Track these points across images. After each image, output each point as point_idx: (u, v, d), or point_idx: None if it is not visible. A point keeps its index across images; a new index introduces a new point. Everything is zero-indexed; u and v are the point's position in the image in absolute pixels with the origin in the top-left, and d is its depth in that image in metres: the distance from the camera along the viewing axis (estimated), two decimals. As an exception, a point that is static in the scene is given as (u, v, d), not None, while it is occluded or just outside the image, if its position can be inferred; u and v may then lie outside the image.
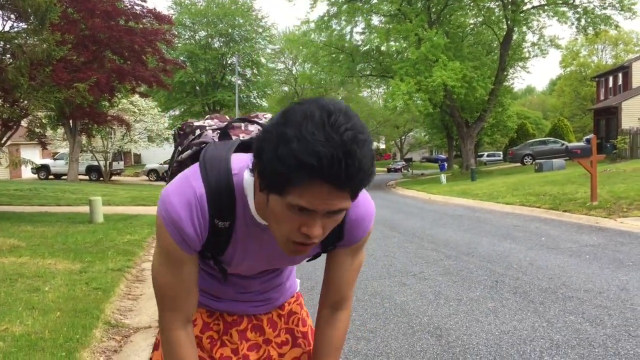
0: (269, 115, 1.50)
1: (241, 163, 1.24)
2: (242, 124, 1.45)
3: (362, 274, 6.67)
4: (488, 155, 52.77)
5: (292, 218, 1.08)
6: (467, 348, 4.01)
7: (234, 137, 1.41)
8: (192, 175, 1.22)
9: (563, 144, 32.38)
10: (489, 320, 4.63)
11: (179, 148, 1.47)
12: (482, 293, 5.54)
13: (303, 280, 6.41)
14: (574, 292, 5.37)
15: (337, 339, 1.45)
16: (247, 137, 1.41)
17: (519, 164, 32.98)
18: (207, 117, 1.53)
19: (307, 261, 1.44)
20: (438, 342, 4.17)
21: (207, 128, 1.45)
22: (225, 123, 1.46)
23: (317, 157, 0.98)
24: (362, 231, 1.36)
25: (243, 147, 1.33)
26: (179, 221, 1.18)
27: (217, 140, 1.40)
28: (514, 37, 31.08)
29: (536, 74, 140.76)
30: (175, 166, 1.45)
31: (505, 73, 32.20)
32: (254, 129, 1.45)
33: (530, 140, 36.40)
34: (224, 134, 1.41)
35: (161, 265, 1.26)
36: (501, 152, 50.07)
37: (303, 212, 1.06)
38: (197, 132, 1.44)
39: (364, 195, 1.33)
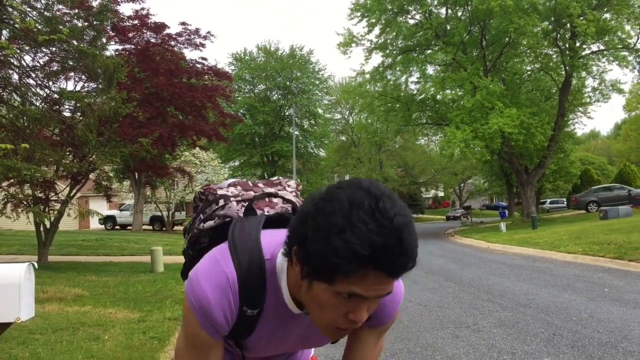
0: (292, 183, 1.53)
1: (272, 246, 1.22)
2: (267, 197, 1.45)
3: (414, 324, 6.61)
4: (551, 202, 51.24)
5: (338, 305, 1.06)
6: (518, 403, 3.91)
7: (258, 212, 1.40)
8: (222, 259, 1.19)
9: (629, 191, 31.17)
10: (543, 375, 4.50)
11: (201, 216, 1.45)
12: (538, 347, 5.38)
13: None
14: (636, 347, 5.15)
15: None
16: (272, 211, 1.42)
17: (583, 211, 31.84)
18: (229, 182, 1.50)
19: (331, 343, 1.34)
20: (488, 396, 4.08)
21: (232, 199, 1.43)
22: (249, 191, 1.46)
23: (372, 247, 0.97)
24: (389, 314, 1.32)
25: (269, 222, 1.34)
26: (208, 308, 1.15)
27: (241, 214, 1.39)
28: (573, 82, 30.60)
29: (600, 119, 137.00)
30: (196, 233, 1.43)
31: (565, 119, 31.58)
32: (278, 201, 1.44)
33: (594, 187, 35.16)
34: (249, 209, 1.40)
35: (187, 350, 1.23)
36: (565, 199, 48.57)
37: (352, 298, 1.04)
38: (221, 202, 1.42)
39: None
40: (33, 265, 2.21)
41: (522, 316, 6.83)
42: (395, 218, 0.99)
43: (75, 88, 13.82)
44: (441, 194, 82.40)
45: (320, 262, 1.02)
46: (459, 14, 31.03)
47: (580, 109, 33.74)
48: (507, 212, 43.32)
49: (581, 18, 25.89)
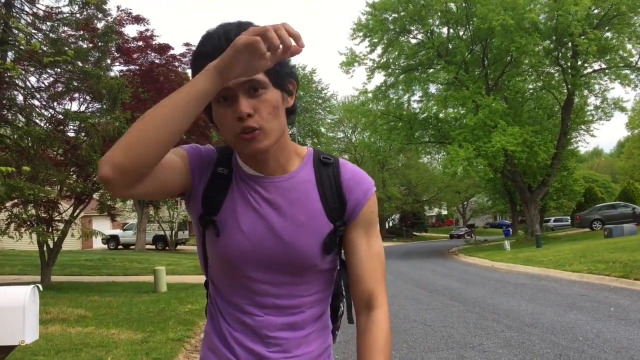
0: None
1: None
2: None
3: (419, 344, 6.56)
4: (555, 220, 51.09)
5: (226, 113, 1.23)
6: None
7: None
8: None
9: (634, 209, 31.08)
10: (550, 396, 4.45)
11: None
12: (544, 367, 5.34)
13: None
14: (644, 367, 5.10)
15: (378, 342, 1.34)
16: None
17: (587, 229, 31.75)
18: None
19: (324, 248, 1.33)
20: (495, 418, 4.03)
21: None
22: None
23: (202, 41, 1.23)
24: (362, 193, 1.36)
25: None
26: (195, 146, 1.41)
27: None
28: (576, 100, 30.68)
29: (603, 136, 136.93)
30: None
31: (568, 137, 31.62)
32: None
33: (598, 205, 35.07)
34: None
35: None
36: (569, 217, 48.40)
37: (228, 101, 1.22)
38: None
39: (357, 167, 1.42)
40: (38, 287, 2.20)
41: (528, 336, 6.78)
42: (227, 26, 1.23)
43: (79, 108, 13.91)
44: (444, 212, 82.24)
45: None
46: (461, 33, 31.26)
47: (582, 127, 33.74)
48: (511, 230, 43.17)
49: (582, 37, 26.04)
